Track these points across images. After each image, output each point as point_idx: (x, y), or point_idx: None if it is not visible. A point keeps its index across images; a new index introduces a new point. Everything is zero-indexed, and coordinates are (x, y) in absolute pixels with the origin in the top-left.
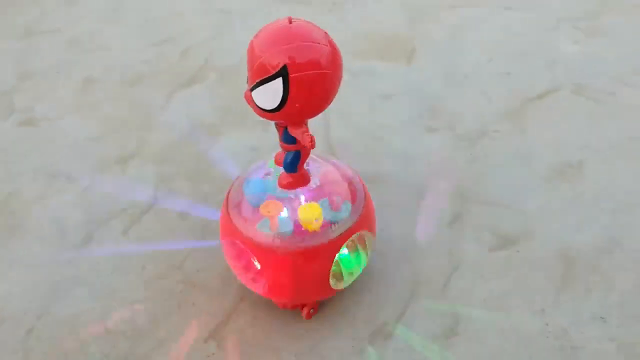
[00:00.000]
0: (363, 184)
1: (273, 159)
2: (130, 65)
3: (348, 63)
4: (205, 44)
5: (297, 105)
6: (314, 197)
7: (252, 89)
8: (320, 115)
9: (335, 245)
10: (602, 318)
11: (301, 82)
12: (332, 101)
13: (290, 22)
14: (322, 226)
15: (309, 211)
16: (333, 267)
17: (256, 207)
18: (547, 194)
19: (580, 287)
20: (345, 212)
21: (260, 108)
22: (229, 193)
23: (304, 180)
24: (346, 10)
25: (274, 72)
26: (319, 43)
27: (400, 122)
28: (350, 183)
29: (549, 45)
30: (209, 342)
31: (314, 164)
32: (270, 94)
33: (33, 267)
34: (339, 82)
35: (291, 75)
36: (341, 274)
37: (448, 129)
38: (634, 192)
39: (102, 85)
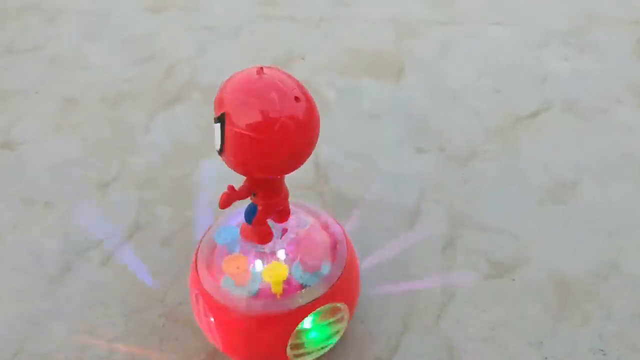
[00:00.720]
0: (349, 244)
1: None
2: (112, 83)
3: (335, 80)
4: (189, 61)
5: (231, 158)
6: (288, 253)
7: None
8: None
9: (296, 315)
10: (602, 350)
11: (233, 137)
12: (287, 171)
13: (259, 73)
14: (290, 290)
15: (272, 272)
16: (293, 340)
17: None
18: (541, 217)
19: (578, 316)
20: (323, 274)
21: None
22: (201, 240)
23: (264, 236)
24: (333, 26)
25: (217, 114)
26: (269, 107)
27: (389, 143)
28: (333, 242)
29: (539, 61)
30: None
31: (294, 216)
32: (216, 136)
33: (8, 301)
34: (297, 155)
35: (226, 126)
36: (303, 346)
37: (438, 149)
38: (628, 213)
39: (83, 105)
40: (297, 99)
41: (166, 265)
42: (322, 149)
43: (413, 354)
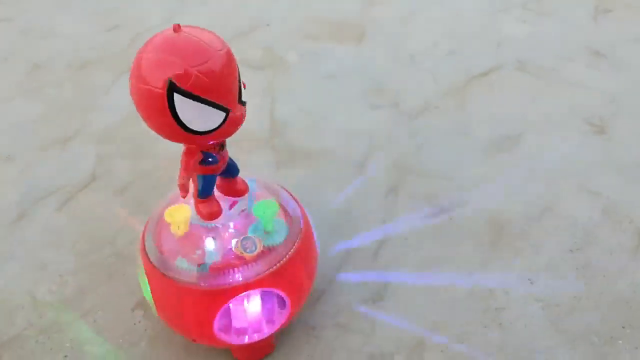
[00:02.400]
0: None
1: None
2: (79, 51)
3: (297, 44)
4: (154, 30)
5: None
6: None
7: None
8: (266, 91)
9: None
10: (529, 280)
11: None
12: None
13: (176, 31)
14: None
15: (176, 213)
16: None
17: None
18: (483, 165)
19: (509, 251)
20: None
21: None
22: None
23: (218, 205)
24: None
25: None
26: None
27: (344, 101)
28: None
29: (497, 25)
30: (136, 311)
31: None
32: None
33: None
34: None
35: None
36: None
37: (391, 106)
38: (568, 162)
39: (49, 71)
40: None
41: (118, 213)
42: (279, 107)
43: (348, 285)
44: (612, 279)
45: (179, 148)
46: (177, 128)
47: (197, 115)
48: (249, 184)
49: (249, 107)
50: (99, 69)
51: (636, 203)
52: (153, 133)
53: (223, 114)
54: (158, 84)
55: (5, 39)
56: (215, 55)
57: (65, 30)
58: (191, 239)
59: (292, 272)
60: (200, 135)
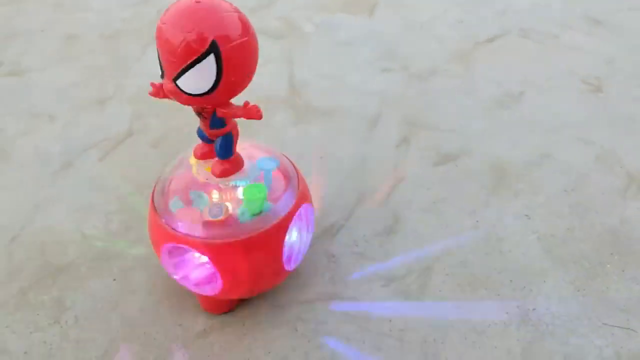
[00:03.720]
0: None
1: (192, 156)
2: (109, 23)
3: (313, 15)
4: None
5: (232, 79)
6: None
7: (176, 78)
8: (285, 58)
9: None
10: (527, 215)
11: (233, 54)
12: (255, 71)
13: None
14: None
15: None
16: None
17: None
18: (487, 120)
19: (510, 192)
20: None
21: (191, 94)
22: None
23: (239, 163)
24: None
25: (203, 50)
26: (233, 12)
27: (358, 65)
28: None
29: None
30: None
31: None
32: (202, 76)
33: (17, 189)
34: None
35: (222, 49)
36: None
37: (402, 69)
38: (565, 116)
39: (83, 41)
40: (231, 4)
41: (154, 162)
42: (298, 71)
43: (363, 221)
44: (603, 214)
45: None
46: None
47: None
48: (271, 163)
49: (269, 71)
50: (129, 39)
51: (627, 151)
52: None
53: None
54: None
55: (40, 13)
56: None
57: (94, 5)
58: (191, 185)
59: (232, 255)
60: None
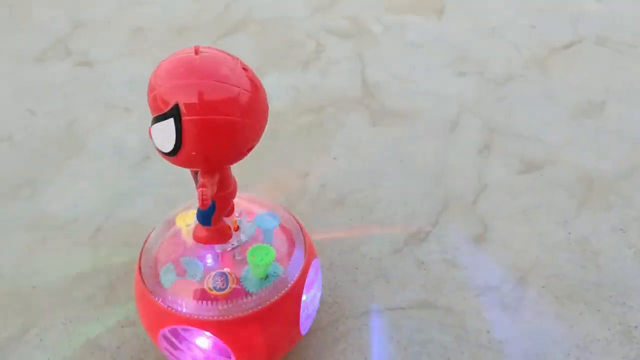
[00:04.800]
0: (306, 237)
1: (178, 217)
2: (177, 16)
3: (381, 16)
4: None
5: (193, 153)
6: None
7: (151, 124)
8: (355, 58)
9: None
10: (621, 229)
11: (196, 127)
12: (249, 149)
13: (197, 53)
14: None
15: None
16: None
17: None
18: (571, 128)
19: (601, 204)
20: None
21: (158, 149)
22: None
23: (222, 235)
24: None
25: (166, 110)
26: (226, 82)
27: (431, 67)
28: (290, 240)
29: (573, 2)
30: None
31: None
32: (165, 135)
33: (96, 180)
34: (260, 128)
35: (184, 118)
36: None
37: (477, 73)
38: None
39: (151, 34)
40: (245, 69)
41: None
42: (369, 72)
43: (451, 227)
44: None
45: (280, 104)
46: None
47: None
48: (272, 222)
49: (342, 70)
50: (197, 34)
51: None
52: None
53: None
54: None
55: (105, 4)
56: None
57: None
58: (182, 252)
59: (247, 330)
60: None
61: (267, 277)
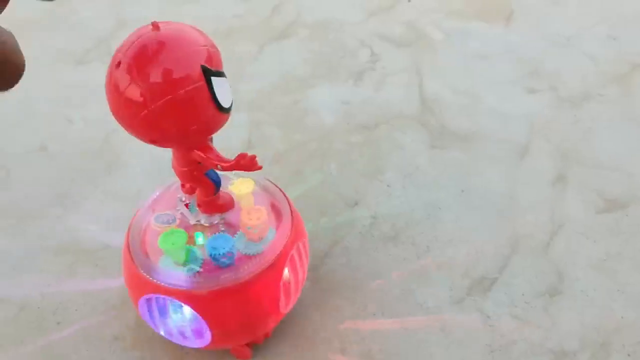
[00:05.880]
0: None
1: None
2: (223, 18)
3: (441, 22)
4: (295, 1)
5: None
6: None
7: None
8: (413, 69)
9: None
10: None
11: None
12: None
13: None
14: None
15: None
16: None
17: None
18: None
19: None
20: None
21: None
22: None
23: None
24: None
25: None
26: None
27: (497, 82)
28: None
29: None
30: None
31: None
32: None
33: (134, 199)
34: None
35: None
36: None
37: (549, 90)
38: None
39: None
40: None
41: (276, 180)
42: (427, 85)
43: (521, 274)
44: None
45: (329, 120)
46: (216, 117)
47: (224, 92)
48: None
49: (398, 83)
50: (243, 38)
51: None
52: (302, 104)
53: (228, 82)
54: (194, 78)
55: (149, 4)
56: (201, 32)
57: None
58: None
59: (222, 304)
60: (227, 113)
61: (186, 262)
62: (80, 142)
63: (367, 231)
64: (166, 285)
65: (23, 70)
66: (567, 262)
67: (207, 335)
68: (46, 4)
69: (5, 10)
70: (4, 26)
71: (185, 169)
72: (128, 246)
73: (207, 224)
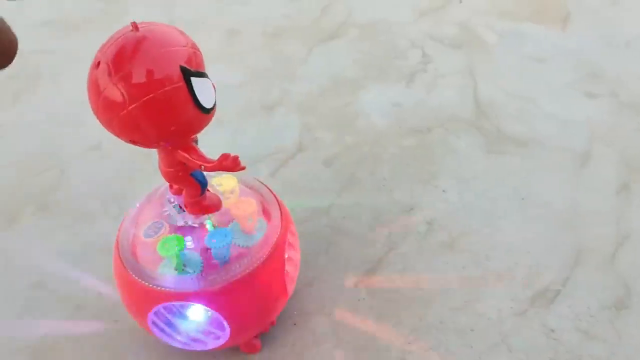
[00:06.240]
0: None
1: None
2: (271, 19)
3: (494, 23)
4: (345, 1)
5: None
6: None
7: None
8: (466, 71)
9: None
10: None
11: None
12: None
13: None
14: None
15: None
16: None
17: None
18: None
19: None
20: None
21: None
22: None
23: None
24: None
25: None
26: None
27: (555, 86)
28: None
29: None
30: (359, 286)
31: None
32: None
33: None
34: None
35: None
36: None
37: (610, 96)
38: None
39: (245, 37)
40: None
41: (329, 183)
42: (482, 89)
43: (585, 287)
44: None
45: (381, 123)
46: (197, 118)
47: (205, 92)
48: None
49: (451, 85)
50: (292, 39)
51: None
52: (352, 107)
53: (211, 82)
54: (173, 79)
55: (200, 4)
56: (182, 32)
57: None
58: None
59: (236, 296)
60: (209, 113)
61: (183, 266)
62: None
63: (422, 238)
64: (176, 290)
65: (16, 46)
66: (635, 274)
67: (226, 332)
68: (99, 3)
69: (63, 10)
70: (66, 26)
71: (171, 169)
72: (122, 263)
73: (195, 225)
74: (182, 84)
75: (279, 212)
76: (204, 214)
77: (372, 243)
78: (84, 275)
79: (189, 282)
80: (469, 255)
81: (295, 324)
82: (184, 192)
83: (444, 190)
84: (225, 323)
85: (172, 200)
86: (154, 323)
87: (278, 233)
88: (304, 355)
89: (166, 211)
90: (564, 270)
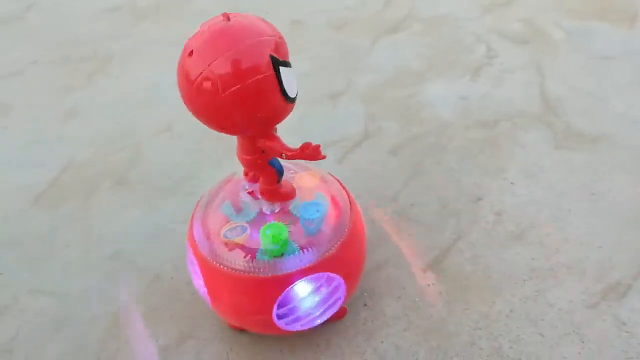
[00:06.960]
0: (353, 204)
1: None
2: (335, 10)
3: (562, 21)
4: None
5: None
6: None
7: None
8: (532, 66)
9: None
10: None
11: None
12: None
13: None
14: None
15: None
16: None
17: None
18: None
19: None
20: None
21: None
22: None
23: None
24: None
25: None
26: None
27: (624, 85)
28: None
29: None
30: (428, 272)
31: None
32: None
33: None
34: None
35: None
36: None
37: None
38: None
39: (310, 28)
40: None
41: (395, 171)
42: (549, 85)
43: None
44: None
45: (446, 115)
46: (282, 107)
47: (290, 82)
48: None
49: (517, 80)
50: (357, 30)
51: None
52: (417, 98)
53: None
54: (263, 68)
55: None
56: (268, 23)
57: None
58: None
59: (346, 255)
60: (293, 102)
61: (282, 255)
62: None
63: (491, 228)
64: (297, 269)
65: None
66: None
67: (342, 291)
68: None
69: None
70: (133, 12)
71: (250, 157)
72: (218, 261)
73: (268, 212)
74: (271, 72)
75: (338, 186)
76: (278, 201)
77: (440, 231)
78: (161, 249)
79: (298, 260)
80: (539, 247)
81: (365, 305)
82: (260, 179)
83: (512, 183)
84: (342, 282)
85: (246, 187)
86: (277, 316)
87: (349, 202)
88: (374, 334)
89: (242, 198)
90: (635, 266)
